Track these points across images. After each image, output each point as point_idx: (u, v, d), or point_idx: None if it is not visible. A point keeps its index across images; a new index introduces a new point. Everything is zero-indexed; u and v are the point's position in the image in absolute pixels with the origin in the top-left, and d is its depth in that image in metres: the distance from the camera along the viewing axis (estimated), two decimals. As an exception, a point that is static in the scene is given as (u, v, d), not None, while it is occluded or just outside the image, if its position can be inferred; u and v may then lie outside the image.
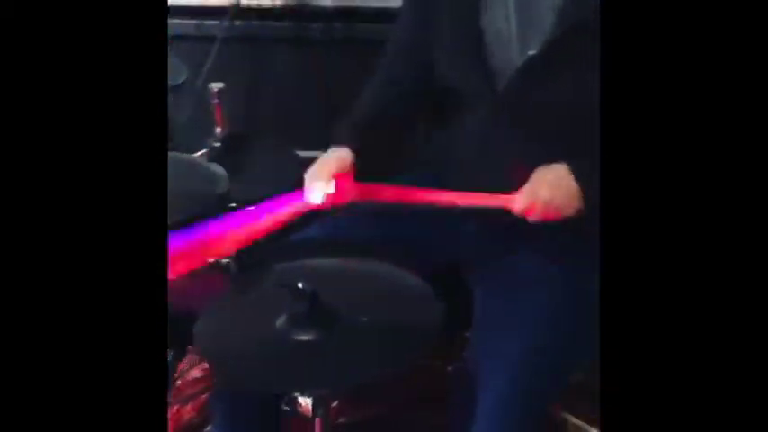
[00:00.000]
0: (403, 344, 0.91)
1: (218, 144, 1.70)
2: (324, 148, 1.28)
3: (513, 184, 1.21)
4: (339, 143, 1.30)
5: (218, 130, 1.69)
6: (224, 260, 1.21)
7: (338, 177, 1.21)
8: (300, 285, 0.87)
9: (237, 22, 2.03)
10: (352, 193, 1.23)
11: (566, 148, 1.23)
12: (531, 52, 1.24)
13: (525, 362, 1.12)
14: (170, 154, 1.11)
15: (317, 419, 0.95)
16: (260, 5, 2.10)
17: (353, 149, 1.28)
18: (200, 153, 1.70)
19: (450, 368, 1.40)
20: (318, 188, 1.19)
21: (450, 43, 1.31)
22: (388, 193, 1.23)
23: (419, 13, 1.36)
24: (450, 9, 1.31)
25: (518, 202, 1.17)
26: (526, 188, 1.19)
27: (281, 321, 0.90)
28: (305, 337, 0.88)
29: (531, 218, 1.17)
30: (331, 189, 1.18)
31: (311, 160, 1.26)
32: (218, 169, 1.39)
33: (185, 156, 1.55)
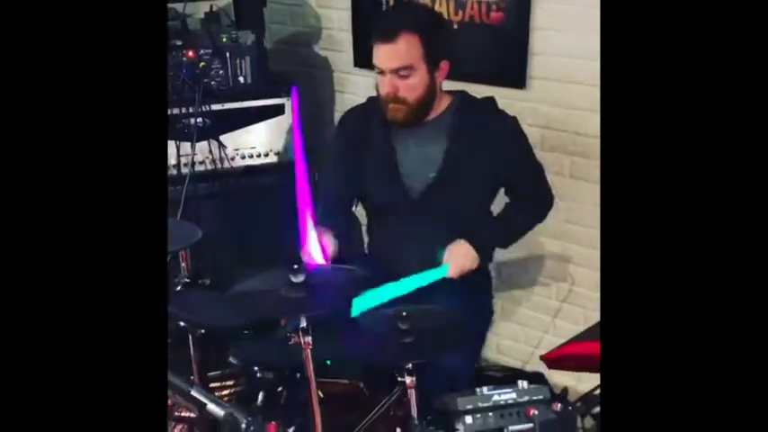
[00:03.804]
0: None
1: (187, 280, 2.07)
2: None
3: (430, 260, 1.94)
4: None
5: (183, 266, 2.09)
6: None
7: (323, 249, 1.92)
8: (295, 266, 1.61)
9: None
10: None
11: (463, 230, 1.98)
12: (431, 174, 2.01)
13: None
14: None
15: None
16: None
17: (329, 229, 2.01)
18: (177, 288, 2.06)
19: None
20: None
21: (375, 174, 2.08)
22: None
23: (350, 157, 2.09)
24: (372, 153, 2.08)
25: (449, 271, 1.92)
26: (448, 260, 1.92)
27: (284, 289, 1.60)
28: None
29: (454, 276, 1.92)
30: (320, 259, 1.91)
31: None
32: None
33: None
